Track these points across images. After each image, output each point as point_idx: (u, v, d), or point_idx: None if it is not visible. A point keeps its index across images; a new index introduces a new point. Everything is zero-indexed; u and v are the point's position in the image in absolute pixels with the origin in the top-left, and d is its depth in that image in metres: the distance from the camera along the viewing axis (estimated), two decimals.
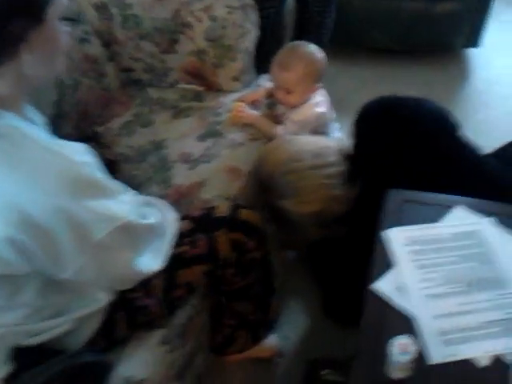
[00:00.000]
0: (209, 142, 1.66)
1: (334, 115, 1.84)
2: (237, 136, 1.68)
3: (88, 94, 1.73)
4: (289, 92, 1.68)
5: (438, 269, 1.14)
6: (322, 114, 1.75)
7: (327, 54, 1.76)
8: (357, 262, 1.29)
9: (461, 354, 0.99)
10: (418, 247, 1.18)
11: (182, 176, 1.57)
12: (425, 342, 1.01)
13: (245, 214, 1.28)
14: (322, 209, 1.48)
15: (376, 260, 1.16)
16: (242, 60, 1.85)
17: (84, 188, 0.98)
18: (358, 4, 2.62)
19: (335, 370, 1.49)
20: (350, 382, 0.99)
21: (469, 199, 1.29)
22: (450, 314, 1.05)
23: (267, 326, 1.49)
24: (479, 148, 1.49)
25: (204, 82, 1.88)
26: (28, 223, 0.94)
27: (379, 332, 1.03)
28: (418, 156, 1.44)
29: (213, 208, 1.30)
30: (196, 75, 1.88)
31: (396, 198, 1.29)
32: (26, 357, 1.06)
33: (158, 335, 1.21)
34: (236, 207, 1.29)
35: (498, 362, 0.98)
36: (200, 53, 1.82)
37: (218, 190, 1.52)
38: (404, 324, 1.04)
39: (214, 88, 1.89)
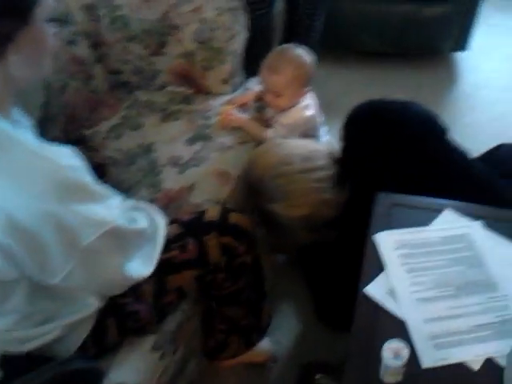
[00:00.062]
0: (198, 146, 1.65)
1: (323, 118, 1.84)
2: (226, 139, 1.67)
3: (76, 97, 1.71)
4: (278, 95, 1.68)
5: (428, 272, 1.14)
6: (312, 117, 1.75)
7: (317, 56, 1.76)
8: (347, 266, 1.29)
9: (452, 357, 0.99)
10: (407, 251, 1.18)
11: (171, 180, 1.56)
12: (416, 346, 1.00)
13: (235, 217, 1.28)
14: (311, 212, 1.47)
15: (366, 264, 1.16)
16: (231, 62, 1.84)
17: (71, 192, 0.97)
18: (348, 7, 2.63)
19: (328, 374, 1.49)
20: None
21: (457, 203, 1.29)
22: (441, 318, 1.05)
23: (260, 330, 1.48)
24: (467, 151, 1.49)
25: (193, 84, 1.87)
26: (15, 227, 0.92)
27: (371, 336, 1.03)
28: (405, 159, 1.44)
29: (202, 212, 1.29)
30: (185, 78, 1.87)
31: (385, 201, 1.29)
32: (15, 364, 1.05)
33: (149, 341, 1.20)
34: (226, 211, 1.29)
35: (489, 365, 0.98)
36: (189, 55, 1.81)
37: (208, 193, 1.51)
38: (395, 328, 1.04)
39: (202, 91, 1.88)
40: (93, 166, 1.39)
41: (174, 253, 1.21)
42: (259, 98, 1.81)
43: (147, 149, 1.66)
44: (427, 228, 1.23)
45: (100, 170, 1.46)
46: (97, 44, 1.84)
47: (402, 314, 1.06)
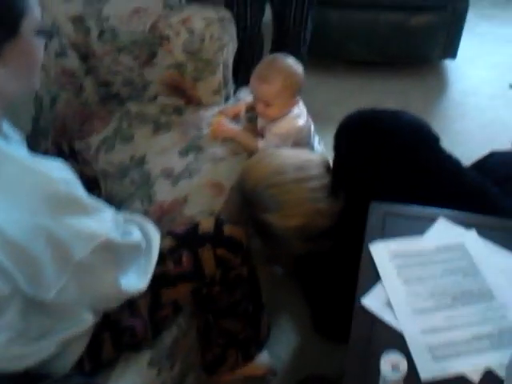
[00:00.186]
0: (190, 157, 1.64)
1: (313, 128, 1.84)
2: (218, 150, 1.66)
3: (66, 109, 1.70)
4: (268, 104, 1.68)
5: (424, 283, 1.14)
6: (303, 126, 1.75)
7: (305, 66, 1.76)
8: (343, 276, 1.29)
9: (450, 369, 0.98)
10: (402, 261, 1.18)
11: (164, 192, 1.55)
12: (414, 357, 1.00)
13: (229, 229, 1.27)
14: (306, 222, 1.47)
15: (362, 275, 1.16)
16: (222, 73, 1.84)
17: (63, 205, 0.95)
18: (336, 17, 2.65)
19: None
20: None
21: (451, 211, 1.29)
22: (438, 329, 1.05)
23: (258, 343, 1.47)
24: (459, 160, 1.50)
25: (184, 95, 1.87)
26: (5, 242, 0.91)
27: (368, 348, 1.02)
28: (397, 168, 1.45)
29: (197, 224, 1.29)
30: (176, 89, 1.86)
31: (378, 211, 1.29)
32: (11, 383, 1.02)
33: (145, 357, 1.18)
34: (220, 223, 1.28)
35: (489, 377, 0.98)
36: (179, 66, 1.80)
37: (201, 205, 1.50)
38: (393, 340, 1.04)
39: (194, 102, 1.87)
40: (84, 179, 1.39)
41: (169, 266, 1.20)
42: (251, 108, 1.81)
43: (139, 161, 1.65)
44: (422, 238, 1.23)
45: (92, 183, 1.45)
46: (86, 56, 1.83)
47: (399, 326, 1.06)
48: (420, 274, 1.16)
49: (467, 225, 1.25)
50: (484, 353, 1.01)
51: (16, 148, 1.06)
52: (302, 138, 1.75)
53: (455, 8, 2.56)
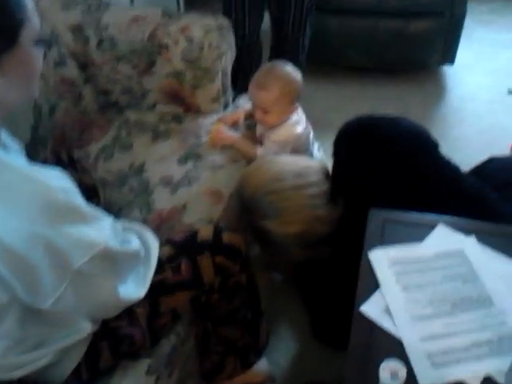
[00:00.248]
0: (189, 165, 1.64)
1: (312, 134, 1.84)
2: (217, 158, 1.67)
3: (65, 118, 1.71)
4: (266, 111, 1.69)
5: (423, 289, 1.13)
6: (302, 133, 1.75)
7: (304, 73, 1.77)
8: (342, 283, 1.28)
9: (450, 376, 0.98)
10: (401, 268, 1.18)
11: (163, 200, 1.55)
12: (413, 365, 0.99)
13: (228, 237, 1.27)
14: (305, 229, 1.47)
15: (361, 282, 1.16)
16: (220, 81, 1.84)
17: (62, 214, 0.95)
18: (335, 23, 2.66)
19: None
20: None
21: (450, 218, 1.29)
22: (437, 336, 1.05)
23: (257, 350, 1.47)
24: (458, 166, 1.50)
25: (183, 103, 1.87)
26: (3, 250, 0.91)
27: (367, 355, 1.02)
28: (396, 175, 1.45)
29: (195, 232, 1.29)
30: (174, 97, 1.86)
31: (377, 218, 1.29)
32: None
33: (143, 365, 1.18)
34: (219, 231, 1.28)
35: (488, 383, 0.97)
36: (178, 74, 1.81)
37: (200, 213, 1.50)
38: (392, 346, 1.03)
39: (193, 110, 1.87)
40: (83, 187, 1.39)
41: (167, 274, 1.20)
42: (249, 116, 1.81)
43: (138, 169, 1.65)
44: (421, 244, 1.23)
45: (91, 192, 1.45)
46: (85, 65, 1.83)
47: (398, 333, 1.05)
48: (419, 281, 1.15)
49: (466, 231, 1.25)
50: (483, 359, 1.00)
51: (15, 157, 1.07)
52: (300, 144, 1.76)
53: (453, 14, 2.57)
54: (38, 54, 1.01)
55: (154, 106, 1.90)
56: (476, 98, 2.72)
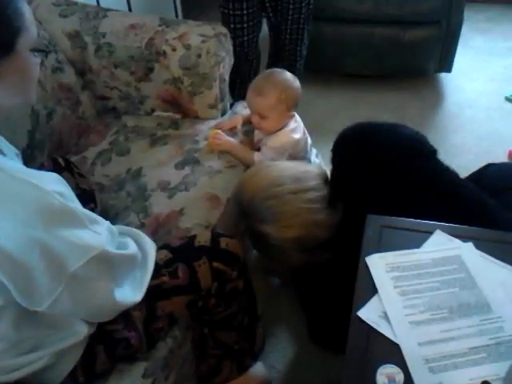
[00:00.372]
0: (186, 170, 1.65)
1: (310, 141, 1.84)
2: (214, 163, 1.67)
3: (63, 123, 1.71)
4: (263, 117, 1.69)
5: (421, 295, 1.13)
6: (299, 140, 1.76)
7: (302, 80, 1.77)
8: (340, 287, 1.28)
9: (447, 381, 0.97)
10: (399, 273, 1.17)
11: (160, 205, 1.55)
12: (410, 370, 0.99)
13: (225, 242, 1.27)
14: (303, 233, 1.47)
15: (359, 287, 1.15)
16: (218, 88, 1.85)
17: (58, 218, 0.95)
18: (331, 31, 2.67)
19: None
20: None
21: (447, 224, 1.29)
22: (435, 341, 1.04)
23: (253, 354, 1.46)
24: (456, 172, 1.50)
25: (180, 109, 1.88)
26: None
27: (365, 360, 1.02)
28: (394, 181, 1.44)
29: (193, 237, 1.28)
30: (172, 103, 1.87)
31: (375, 223, 1.29)
32: None
33: (139, 368, 1.17)
34: (216, 236, 1.28)
35: None
36: (175, 81, 1.81)
37: (197, 218, 1.50)
38: (389, 352, 1.03)
39: (190, 115, 1.88)
40: (80, 192, 1.39)
41: (164, 278, 1.20)
42: (247, 122, 1.82)
43: (136, 174, 1.65)
44: (418, 250, 1.23)
45: (87, 196, 1.45)
46: (83, 71, 1.84)
47: (395, 338, 1.05)
48: (417, 287, 1.15)
49: (464, 237, 1.25)
50: (481, 365, 1.00)
51: (11, 161, 1.07)
52: (298, 151, 1.76)
53: (450, 22, 2.58)
54: (35, 61, 1.02)
55: (151, 111, 1.90)
56: (474, 105, 2.73)
